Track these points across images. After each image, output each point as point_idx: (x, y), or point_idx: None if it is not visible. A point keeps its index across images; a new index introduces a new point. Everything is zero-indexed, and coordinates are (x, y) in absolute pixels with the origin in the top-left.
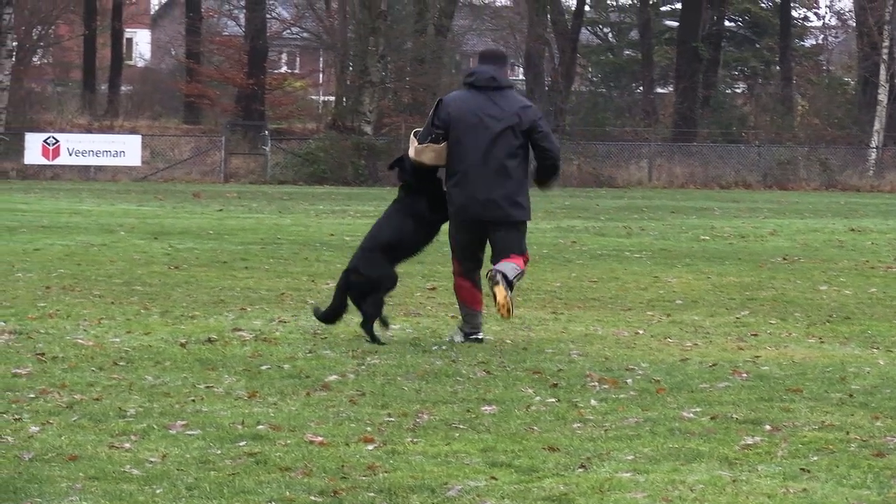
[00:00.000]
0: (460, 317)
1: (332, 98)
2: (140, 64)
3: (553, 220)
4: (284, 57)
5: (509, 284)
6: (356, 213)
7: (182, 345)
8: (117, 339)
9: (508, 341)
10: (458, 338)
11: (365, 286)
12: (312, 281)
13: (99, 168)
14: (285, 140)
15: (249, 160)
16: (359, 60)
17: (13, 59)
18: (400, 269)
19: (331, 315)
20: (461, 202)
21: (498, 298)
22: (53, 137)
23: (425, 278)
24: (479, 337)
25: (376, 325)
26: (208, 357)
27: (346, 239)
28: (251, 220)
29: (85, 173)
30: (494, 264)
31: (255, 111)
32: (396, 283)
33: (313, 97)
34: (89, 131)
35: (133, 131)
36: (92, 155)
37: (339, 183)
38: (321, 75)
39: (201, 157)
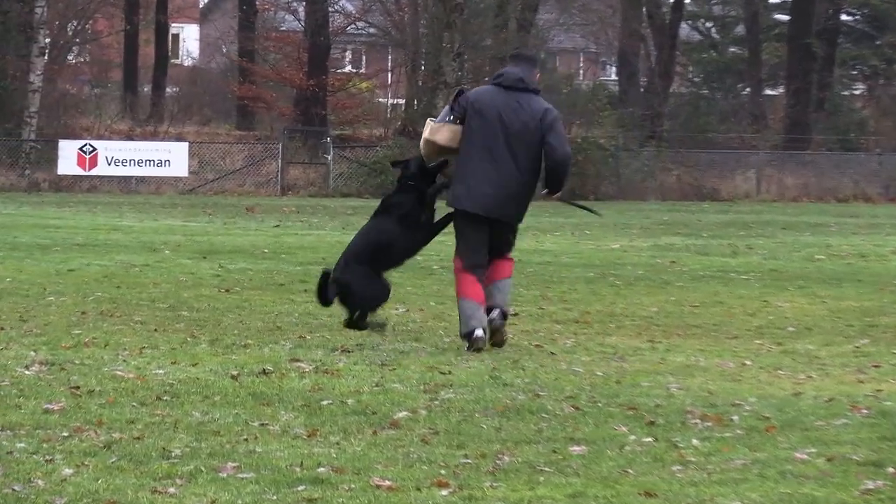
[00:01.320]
0: (462, 321)
1: (402, 101)
2: (187, 63)
3: (650, 237)
4: (349, 55)
5: (504, 317)
6: None
7: (234, 377)
8: (161, 371)
9: (599, 373)
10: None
11: (363, 305)
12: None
13: (141, 179)
14: (349, 148)
15: (309, 170)
16: (432, 59)
17: (46, 57)
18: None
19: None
20: (471, 197)
21: (496, 339)
22: (90, 145)
23: None
24: (481, 335)
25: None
26: (263, 391)
27: (419, 259)
28: (311, 237)
29: (125, 185)
30: (489, 273)
31: (316, 115)
32: (390, 292)
33: (381, 100)
34: (130, 138)
35: (179, 138)
36: (133, 164)
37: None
38: (390, 75)
39: (255, 167)
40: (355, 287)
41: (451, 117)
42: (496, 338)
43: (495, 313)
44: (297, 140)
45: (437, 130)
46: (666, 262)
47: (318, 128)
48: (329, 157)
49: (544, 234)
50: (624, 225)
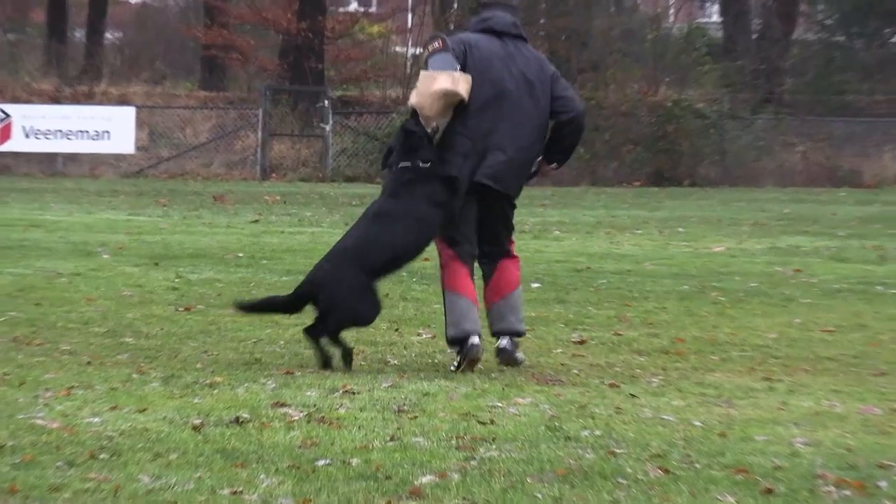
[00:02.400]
0: (448, 324)
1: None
2: (135, 0)
3: (765, 235)
4: None
5: (516, 343)
6: None
7: (196, 428)
8: (96, 420)
9: (697, 423)
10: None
11: (344, 319)
12: (396, 329)
13: (71, 157)
14: (355, 115)
15: (300, 145)
16: None
17: None
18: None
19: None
20: (477, 163)
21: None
22: (2, 111)
23: (569, 325)
24: (477, 343)
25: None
26: (236, 447)
27: None
28: (303, 236)
29: (50, 165)
30: (490, 261)
31: (310, 71)
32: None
33: (398, 49)
34: (57, 101)
35: (123, 101)
36: (61, 137)
37: None
38: (410, 16)
39: (227, 141)
40: (343, 301)
41: (458, 66)
42: (509, 365)
43: (505, 342)
44: (284, 104)
45: (459, 81)
46: (788, 270)
47: (313, 87)
48: (327, 128)
49: (621, 232)
50: (731, 220)
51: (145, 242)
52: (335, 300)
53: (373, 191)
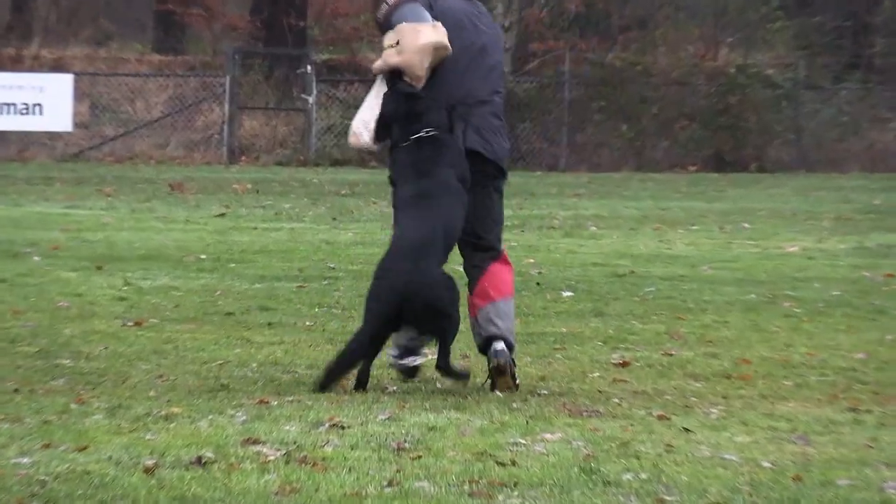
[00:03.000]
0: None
1: None
2: None
3: (851, 232)
4: None
5: (512, 349)
6: None
7: (148, 470)
8: (26, 460)
9: (766, 464)
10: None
11: (456, 326)
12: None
13: None
14: (344, 84)
15: (276, 121)
16: None
17: None
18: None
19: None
20: (467, 130)
21: (501, 384)
22: None
23: (608, 344)
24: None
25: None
26: (197, 494)
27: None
28: (280, 233)
29: None
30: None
31: (289, 30)
32: None
33: None
34: None
35: (58, 67)
36: None
37: None
38: None
39: (186, 117)
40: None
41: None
42: (502, 383)
43: (500, 345)
44: (257, 70)
45: (442, 32)
46: (878, 276)
47: (292, 50)
48: (310, 100)
49: (672, 228)
50: (808, 213)
51: (86, 241)
52: (443, 306)
53: (366, 177)
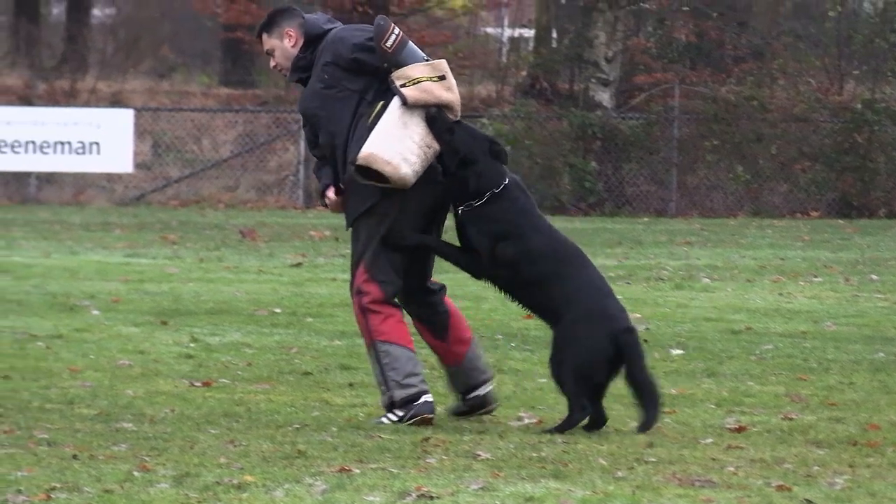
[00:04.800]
0: (384, 379)
1: (529, 33)
2: None
3: None
4: None
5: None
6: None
7: None
8: None
9: None
10: (395, 413)
11: None
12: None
13: (47, 177)
14: None
15: None
16: None
17: None
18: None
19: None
20: None
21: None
22: None
23: (722, 406)
24: (430, 401)
25: None
26: None
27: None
28: None
29: (18, 188)
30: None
31: None
32: None
33: (488, 30)
34: (27, 102)
35: (117, 102)
36: (32, 150)
37: (546, 207)
38: None
39: (258, 156)
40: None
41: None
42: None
43: (492, 389)
44: None
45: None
46: None
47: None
48: None
49: (793, 279)
50: None
51: (148, 294)
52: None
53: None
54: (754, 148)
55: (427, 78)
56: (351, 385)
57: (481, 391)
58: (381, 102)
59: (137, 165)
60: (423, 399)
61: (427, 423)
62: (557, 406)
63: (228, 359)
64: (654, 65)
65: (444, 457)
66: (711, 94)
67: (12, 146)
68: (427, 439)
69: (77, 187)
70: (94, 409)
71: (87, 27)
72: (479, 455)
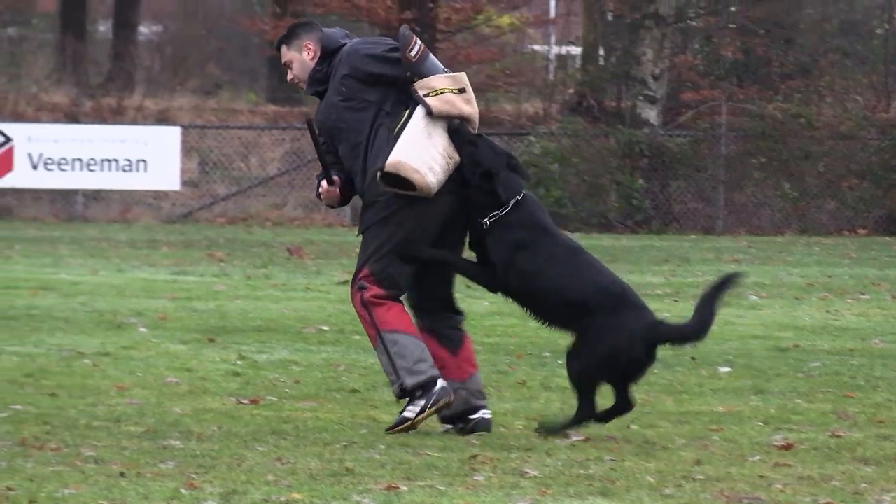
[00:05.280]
0: (393, 368)
1: (577, 50)
2: None
3: None
4: None
5: None
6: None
7: None
8: None
9: None
10: (414, 409)
11: None
12: (536, 429)
13: (94, 195)
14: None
15: None
16: None
17: None
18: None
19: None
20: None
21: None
22: (0, 133)
23: (770, 424)
24: (446, 386)
25: None
26: None
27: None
28: None
29: (66, 205)
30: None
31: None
32: None
33: (536, 48)
34: (74, 119)
35: (163, 119)
36: (80, 168)
37: (593, 225)
38: (553, 3)
39: (305, 173)
40: None
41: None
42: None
43: (488, 414)
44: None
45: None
46: None
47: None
48: None
49: (840, 297)
50: None
51: (196, 311)
52: None
53: None
54: (801, 165)
55: (449, 89)
56: (398, 402)
57: (476, 416)
58: (407, 111)
59: (184, 183)
60: (439, 385)
61: (448, 406)
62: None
63: (276, 376)
64: (701, 82)
65: (491, 474)
66: (758, 112)
67: (59, 164)
68: (475, 457)
69: (124, 205)
70: (141, 427)
71: (134, 44)
72: (527, 472)
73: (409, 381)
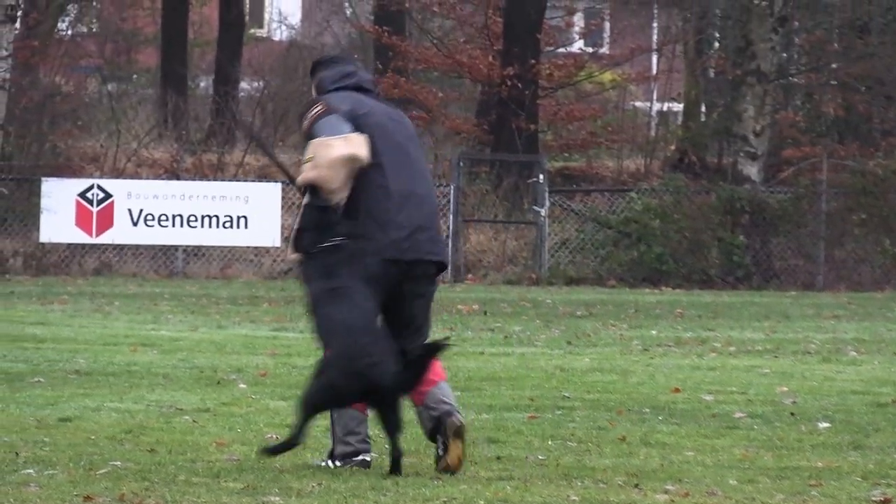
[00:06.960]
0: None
1: (678, 107)
2: (280, 36)
3: None
4: (579, 22)
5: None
6: (741, 351)
7: None
8: None
9: None
10: (333, 462)
11: None
12: (636, 485)
13: (194, 251)
14: (581, 194)
15: (506, 235)
16: (734, 31)
17: (18, 25)
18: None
19: None
20: (397, 236)
21: (453, 456)
22: (100, 188)
23: (868, 479)
24: (368, 459)
25: None
26: None
27: (707, 399)
28: (509, 358)
29: (166, 261)
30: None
31: (519, 134)
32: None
33: (637, 104)
34: (174, 176)
35: (264, 176)
36: (180, 224)
37: (694, 281)
38: (654, 59)
39: None
40: None
41: (350, 127)
42: (454, 452)
43: (457, 414)
44: (484, 179)
45: (356, 143)
46: None
47: (523, 156)
48: (543, 212)
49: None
50: None
51: (296, 367)
52: None
53: (604, 297)
54: None
55: (305, 160)
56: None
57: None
58: None
59: (285, 239)
60: (360, 457)
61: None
62: (705, 478)
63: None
64: (803, 138)
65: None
66: (859, 168)
67: (160, 220)
68: None
69: (224, 261)
70: (240, 483)
71: (235, 100)
72: None
73: (339, 450)
